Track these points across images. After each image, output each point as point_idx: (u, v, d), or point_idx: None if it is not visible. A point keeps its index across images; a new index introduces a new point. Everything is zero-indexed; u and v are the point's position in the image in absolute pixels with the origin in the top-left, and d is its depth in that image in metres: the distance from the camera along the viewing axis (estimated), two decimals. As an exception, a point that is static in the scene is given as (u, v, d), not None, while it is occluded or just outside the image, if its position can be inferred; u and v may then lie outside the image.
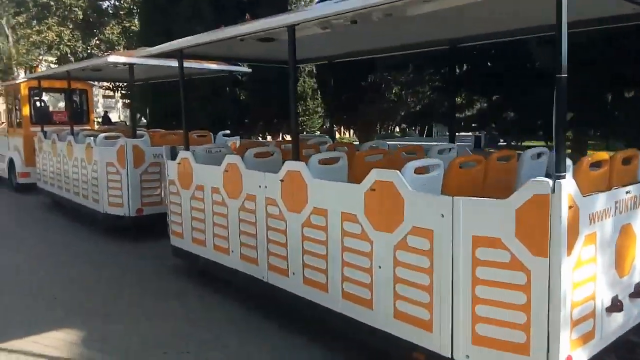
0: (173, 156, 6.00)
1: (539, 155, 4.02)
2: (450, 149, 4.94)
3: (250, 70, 8.39)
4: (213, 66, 7.90)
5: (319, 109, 17.31)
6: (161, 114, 18.14)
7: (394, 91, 16.18)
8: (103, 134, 7.97)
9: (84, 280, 5.64)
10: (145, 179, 7.22)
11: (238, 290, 4.97)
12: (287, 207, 3.97)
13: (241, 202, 4.50)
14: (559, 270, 2.48)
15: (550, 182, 2.49)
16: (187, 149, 5.43)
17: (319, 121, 19.81)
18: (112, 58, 6.86)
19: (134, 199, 7.14)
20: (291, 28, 3.83)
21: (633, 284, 3.20)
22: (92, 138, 7.78)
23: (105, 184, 7.34)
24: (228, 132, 8.29)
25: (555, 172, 2.51)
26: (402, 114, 16.38)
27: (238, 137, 8.26)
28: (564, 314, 2.53)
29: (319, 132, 16.71)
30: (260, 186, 4.24)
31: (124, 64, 6.94)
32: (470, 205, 2.77)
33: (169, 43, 5.32)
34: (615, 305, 2.95)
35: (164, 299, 5.07)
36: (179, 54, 5.29)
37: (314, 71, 16.27)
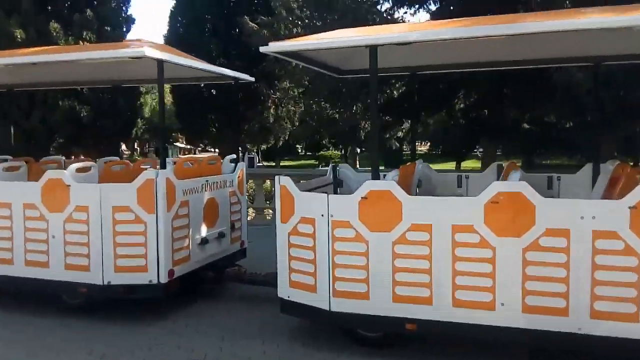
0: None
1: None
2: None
3: (253, 79, 6.69)
4: (223, 70, 6.07)
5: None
6: None
7: (272, 111, 15.12)
8: (75, 165, 5.23)
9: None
10: (175, 226, 5.03)
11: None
12: (645, 240, 3.36)
13: (531, 241, 3.58)
14: None
15: None
16: (376, 177, 4.02)
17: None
18: (149, 51, 4.57)
19: (166, 258, 4.88)
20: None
21: None
22: (54, 171, 5.02)
23: (109, 240, 4.80)
24: (234, 156, 6.47)
25: None
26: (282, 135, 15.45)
27: (243, 163, 6.50)
28: None
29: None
30: (594, 217, 3.45)
31: (156, 59, 4.70)
32: None
33: (358, 36, 3.86)
34: None
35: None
36: (374, 53, 3.87)
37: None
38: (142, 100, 14.14)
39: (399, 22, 10.81)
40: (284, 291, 4.44)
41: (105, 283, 4.84)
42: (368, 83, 11.81)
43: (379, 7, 10.54)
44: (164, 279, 4.85)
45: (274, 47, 4.16)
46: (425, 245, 3.84)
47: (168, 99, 14.75)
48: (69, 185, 4.91)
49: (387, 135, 13.12)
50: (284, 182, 4.40)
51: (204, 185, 5.55)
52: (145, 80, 7.38)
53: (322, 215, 4.10)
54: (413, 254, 3.87)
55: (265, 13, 13.07)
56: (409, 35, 3.91)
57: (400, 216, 3.88)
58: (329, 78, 11.79)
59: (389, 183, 3.96)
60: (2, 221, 5.13)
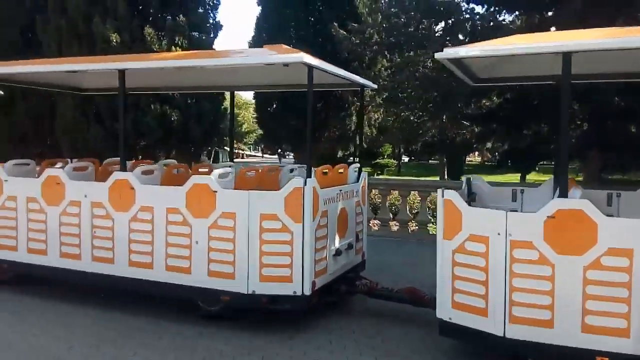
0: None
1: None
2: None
3: (375, 85, 6.54)
4: (357, 78, 5.94)
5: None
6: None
7: (354, 118, 15.00)
8: (218, 171, 5.18)
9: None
10: (317, 236, 4.88)
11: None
12: None
13: None
14: None
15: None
16: (564, 194, 3.71)
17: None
18: (306, 57, 4.47)
19: (311, 269, 4.73)
20: None
21: None
22: (210, 176, 4.97)
23: (256, 248, 4.70)
24: (358, 165, 6.31)
25: None
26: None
27: (365, 173, 6.32)
28: None
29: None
30: None
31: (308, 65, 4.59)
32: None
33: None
34: None
35: None
36: (567, 60, 3.59)
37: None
38: (225, 105, 14.15)
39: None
40: (445, 312, 4.19)
41: (250, 292, 4.73)
42: (460, 92, 11.54)
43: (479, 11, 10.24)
44: (308, 291, 4.70)
45: (448, 53, 3.94)
46: (624, 272, 3.50)
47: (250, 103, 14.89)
48: (216, 192, 4.85)
49: (476, 146, 12.68)
50: (449, 196, 4.16)
51: (338, 195, 5.40)
52: (278, 85, 7.36)
53: (499, 233, 3.83)
54: (609, 280, 3.54)
55: (352, 21, 12.93)
56: (625, 42, 3.57)
57: (595, 239, 3.55)
58: (418, 86, 11.55)
59: (582, 202, 3.65)
60: (144, 225, 5.14)
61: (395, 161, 44.18)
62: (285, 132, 14.59)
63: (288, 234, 4.68)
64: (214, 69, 5.54)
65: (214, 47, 14.07)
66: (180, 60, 5.21)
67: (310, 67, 4.68)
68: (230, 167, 6.55)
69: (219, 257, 4.83)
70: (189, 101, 13.19)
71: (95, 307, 5.44)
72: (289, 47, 5.30)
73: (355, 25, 12.36)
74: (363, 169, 6.42)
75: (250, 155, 69.40)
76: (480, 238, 3.94)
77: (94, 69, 5.58)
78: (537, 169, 32.59)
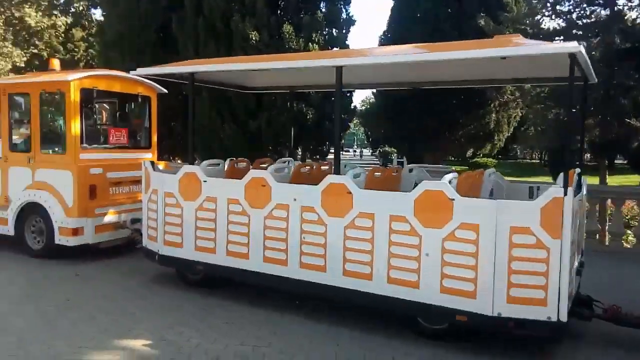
0: None
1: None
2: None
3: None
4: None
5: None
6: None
7: (493, 115, 14.12)
8: (449, 175, 4.71)
9: None
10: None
11: None
12: None
13: None
14: None
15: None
16: None
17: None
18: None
19: (567, 292, 4.09)
20: None
21: None
22: (444, 182, 4.50)
23: (504, 265, 4.15)
24: (579, 170, 5.56)
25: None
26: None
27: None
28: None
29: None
30: None
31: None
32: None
33: None
34: None
35: None
36: None
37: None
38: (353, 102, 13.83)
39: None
40: None
41: (495, 314, 4.19)
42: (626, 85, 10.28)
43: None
44: (564, 317, 4.07)
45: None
46: None
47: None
48: (453, 200, 4.35)
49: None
50: None
51: (579, 205, 4.72)
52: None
53: None
54: None
55: (498, 11, 12.02)
56: None
57: None
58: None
59: None
60: (362, 232, 4.77)
61: (493, 160, 42.12)
62: (413, 132, 13.91)
63: (544, 250, 4.07)
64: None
65: (347, 42, 13.74)
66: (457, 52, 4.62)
67: (574, 57, 4.05)
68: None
69: (456, 272, 4.33)
70: (324, 99, 12.97)
71: (308, 314, 5.19)
72: (524, 37, 4.71)
73: (507, 15, 11.45)
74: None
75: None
76: None
77: (311, 65, 5.30)
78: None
